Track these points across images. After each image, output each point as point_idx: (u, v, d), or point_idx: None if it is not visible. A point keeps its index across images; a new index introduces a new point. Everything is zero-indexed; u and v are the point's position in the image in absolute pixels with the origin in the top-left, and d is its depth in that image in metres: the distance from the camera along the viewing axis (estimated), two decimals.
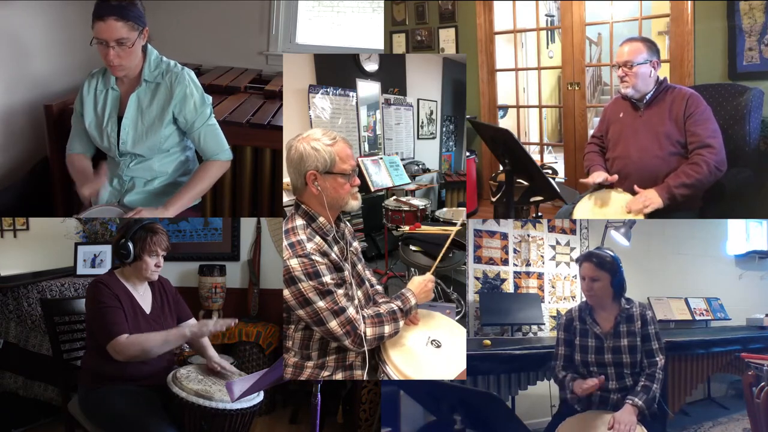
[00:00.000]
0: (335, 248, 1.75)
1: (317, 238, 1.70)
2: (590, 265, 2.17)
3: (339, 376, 1.74)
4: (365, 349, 1.67)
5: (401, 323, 1.74)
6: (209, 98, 2.37)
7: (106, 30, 2.09)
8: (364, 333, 1.65)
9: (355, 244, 1.92)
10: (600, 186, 2.69)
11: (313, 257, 1.63)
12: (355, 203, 1.78)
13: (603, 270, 2.15)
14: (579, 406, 2.18)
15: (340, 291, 1.66)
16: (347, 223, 1.96)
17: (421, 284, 1.85)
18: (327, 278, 1.64)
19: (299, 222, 1.71)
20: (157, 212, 2.24)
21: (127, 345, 1.95)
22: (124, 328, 1.98)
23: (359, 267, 1.89)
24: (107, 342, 1.96)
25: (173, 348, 2.01)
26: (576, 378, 2.16)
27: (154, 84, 2.27)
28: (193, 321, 2.34)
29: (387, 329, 1.70)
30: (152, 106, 2.27)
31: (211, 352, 2.29)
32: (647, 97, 2.57)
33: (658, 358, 2.14)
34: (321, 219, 1.73)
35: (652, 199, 2.41)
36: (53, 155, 2.82)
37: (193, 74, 2.34)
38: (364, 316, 1.68)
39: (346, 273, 1.73)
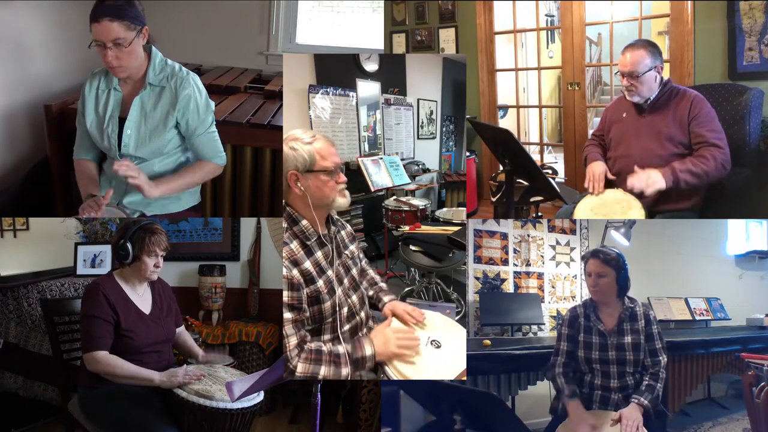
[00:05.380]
0: (318, 253, 1.70)
1: (294, 243, 1.66)
2: (597, 261, 2.18)
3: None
4: (293, 379, 1.58)
5: (345, 370, 1.57)
6: (212, 104, 2.36)
7: (102, 31, 2.08)
8: (295, 367, 1.56)
9: (352, 247, 1.90)
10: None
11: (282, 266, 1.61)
12: (342, 201, 1.73)
13: (609, 266, 2.16)
14: None
15: (289, 315, 1.60)
16: (346, 224, 1.94)
17: (387, 336, 1.65)
18: (284, 295, 1.59)
19: (283, 225, 1.70)
20: (150, 185, 2.19)
21: (99, 362, 1.97)
22: (104, 344, 1.98)
23: (354, 271, 1.85)
24: (85, 352, 2.00)
25: (138, 385, 2.00)
26: (575, 397, 2.11)
27: (159, 88, 2.26)
28: (181, 329, 2.36)
29: (323, 371, 1.56)
30: (156, 110, 2.26)
31: (197, 350, 2.34)
32: (651, 98, 2.57)
33: (661, 357, 2.15)
34: (303, 222, 1.69)
35: (654, 179, 2.39)
36: (53, 155, 2.82)
37: (198, 79, 2.33)
38: (306, 349, 1.58)
39: (321, 283, 1.66)
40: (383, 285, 2.01)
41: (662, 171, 2.41)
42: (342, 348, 1.61)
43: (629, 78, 2.52)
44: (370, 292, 1.99)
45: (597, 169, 2.64)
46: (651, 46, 2.52)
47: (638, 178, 2.43)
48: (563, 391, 2.14)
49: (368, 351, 1.61)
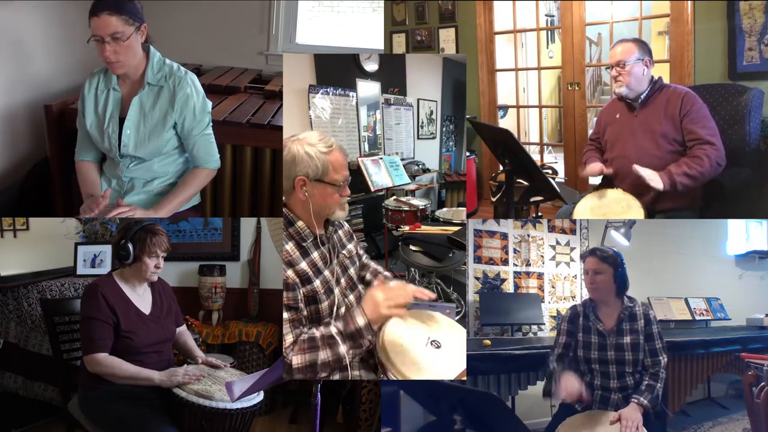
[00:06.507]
0: (314, 254, 1.70)
1: (290, 245, 1.66)
2: (594, 259, 2.20)
3: (338, 376, 1.74)
4: (293, 378, 1.55)
5: (343, 348, 1.52)
6: (209, 104, 2.36)
7: (101, 25, 2.09)
8: (291, 361, 1.52)
9: (350, 246, 1.90)
10: (600, 186, 2.70)
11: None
12: (341, 213, 1.73)
13: (606, 263, 2.17)
14: (579, 405, 2.19)
15: (286, 315, 1.59)
16: (344, 223, 1.94)
17: (375, 300, 1.56)
18: (283, 295, 1.60)
19: (282, 226, 1.70)
20: (148, 213, 2.25)
21: (100, 363, 1.97)
22: (104, 345, 1.99)
23: (351, 271, 1.85)
24: (85, 354, 2.00)
25: (139, 385, 2.00)
26: (565, 372, 2.12)
27: (158, 87, 2.26)
28: (182, 329, 2.37)
29: (321, 355, 1.52)
30: (155, 109, 2.26)
31: (198, 352, 2.34)
32: (642, 96, 2.58)
33: (661, 357, 2.15)
34: (299, 223, 1.68)
35: (653, 179, 2.41)
36: (53, 155, 2.82)
37: (196, 79, 2.33)
38: (299, 340, 1.55)
39: (317, 283, 1.66)
40: (387, 273, 2.00)
41: (659, 174, 2.42)
42: (334, 328, 1.56)
43: (617, 68, 2.56)
44: (369, 277, 1.98)
45: (595, 168, 2.68)
46: (640, 42, 2.58)
47: (644, 171, 2.43)
48: (555, 370, 2.16)
49: (360, 321, 1.54)
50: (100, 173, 2.41)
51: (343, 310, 1.73)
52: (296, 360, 1.52)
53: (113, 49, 2.12)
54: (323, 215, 1.73)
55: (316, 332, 1.57)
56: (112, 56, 2.13)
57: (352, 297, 1.80)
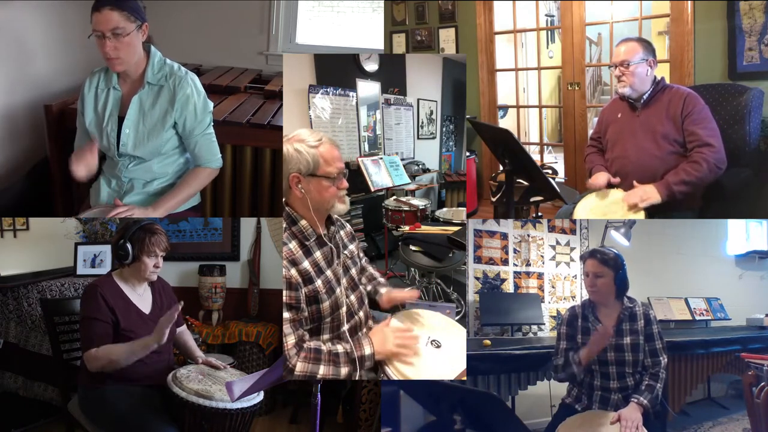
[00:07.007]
0: (317, 253, 1.70)
1: (293, 243, 1.66)
2: (594, 261, 2.18)
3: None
4: (291, 378, 1.58)
5: (344, 370, 1.57)
6: (210, 104, 2.36)
7: (102, 20, 2.09)
8: (294, 366, 1.55)
9: (351, 246, 1.90)
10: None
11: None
12: (341, 207, 1.73)
13: (607, 266, 2.16)
14: (579, 406, 2.19)
15: (287, 315, 1.60)
16: (345, 224, 1.94)
17: (385, 335, 1.65)
18: (283, 294, 1.60)
19: (283, 225, 1.71)
20: (147, 212, 2.24)
21: (96, 357, 1.95)
22: (102, 344, 1.97)
23: (353, 271, 1.85)
24: (83, 352, 2.00)
25: (141, 357, 1.96)
26: (579, 349, 2.15)
27: (158, 87, 2.26)
28: (183, 329, 2.37)
29: (322, 370, 1.55)
30: (155, 109, 2.26)
31: (198, 353, 2.33)
32: (644, 96, 2.58)
33: (661, 358, 2.15)
34: (302, 222, 1.69)
35: (650, 194, 2.41)
36: (53, 155, 2.82)
37: (197, 79, 2.33)
38: (305, 348, 1.57)
39: (319, 283, 1.66)
40: (381, 279, 2.02)
41: (657, 186, 2.43)
42: (341, 347, 1.61)
43: (621, 68, 2.55)
44: (369, 287, 1.99)
45: (600, 180, 2.65)
46: (645, 42, 2.57)
47: (633, 194, 2.44)
48: (572, 357, 2.15)
49: (367, 350, 1.61)
50: (99, 172, 2.41)
51: (344, 310, 1.73)
52: (299, 367, 1.55)
53: (113, 45, 2.12)
54: (323, 210, 1.73)
55: (323, 346, 1.59)
56: (111, 52, 2.13)
57: (353, 297, 1.80)
